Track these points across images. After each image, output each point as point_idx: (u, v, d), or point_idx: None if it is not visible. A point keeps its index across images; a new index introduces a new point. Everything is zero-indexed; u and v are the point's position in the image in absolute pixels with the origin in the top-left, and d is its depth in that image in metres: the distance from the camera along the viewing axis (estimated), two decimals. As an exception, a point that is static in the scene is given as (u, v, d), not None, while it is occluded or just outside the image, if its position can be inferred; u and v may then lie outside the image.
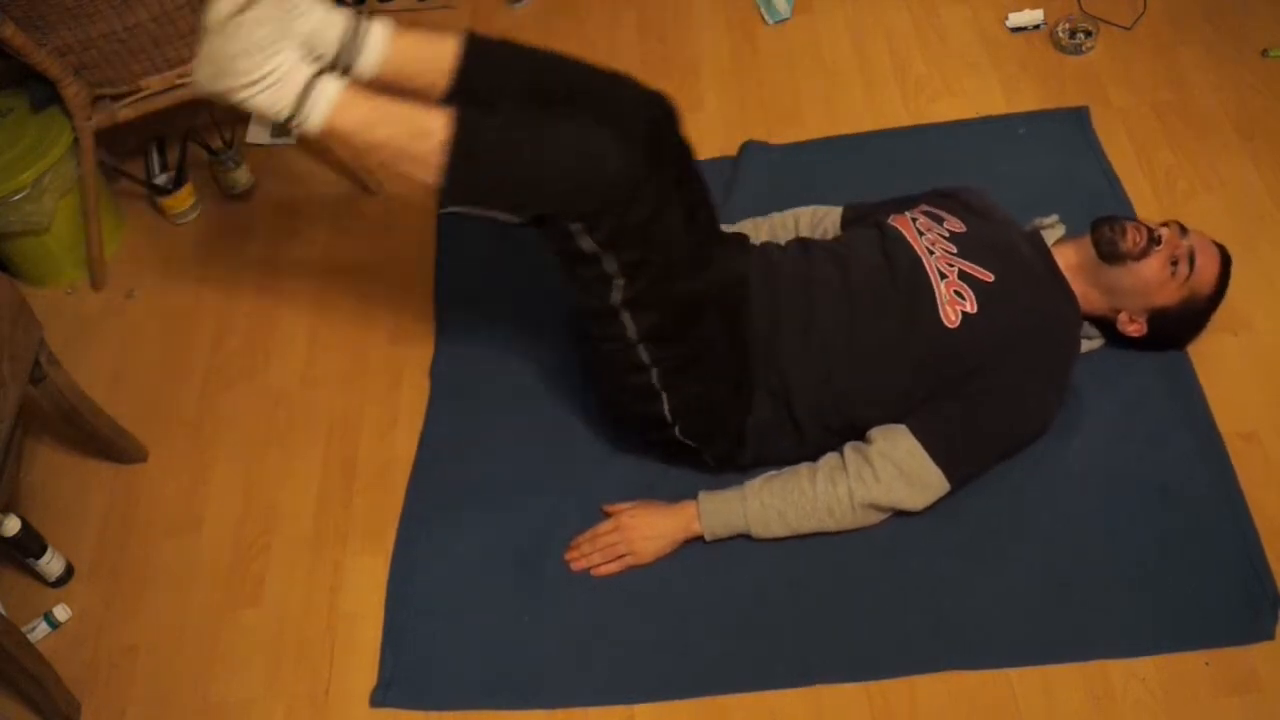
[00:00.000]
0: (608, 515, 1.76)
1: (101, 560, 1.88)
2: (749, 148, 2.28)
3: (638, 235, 1.48)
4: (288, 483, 1.93)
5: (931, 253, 1.71)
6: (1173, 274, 1.70)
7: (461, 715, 1.63)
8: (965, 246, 1.71)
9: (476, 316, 2.08)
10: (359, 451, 1.95)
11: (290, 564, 1.83)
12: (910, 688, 1.58)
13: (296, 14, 1.49)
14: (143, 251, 2.34)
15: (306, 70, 1.46)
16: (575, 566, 1.73)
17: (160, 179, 2.37)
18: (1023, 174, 2.14)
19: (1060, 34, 2.40)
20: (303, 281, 2.22)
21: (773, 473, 1.71)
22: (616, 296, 1.54)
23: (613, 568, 1.72)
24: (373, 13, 1.55)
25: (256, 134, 2.51)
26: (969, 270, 1.68)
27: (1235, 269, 1.80)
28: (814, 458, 1.70)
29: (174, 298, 2.25)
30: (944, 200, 1.84)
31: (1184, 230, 1.73)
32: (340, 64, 1.55)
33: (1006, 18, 2.46)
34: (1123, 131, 2.21)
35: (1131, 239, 1.69)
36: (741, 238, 1.89)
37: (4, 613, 1.76)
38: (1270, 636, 1.56)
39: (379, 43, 1.56)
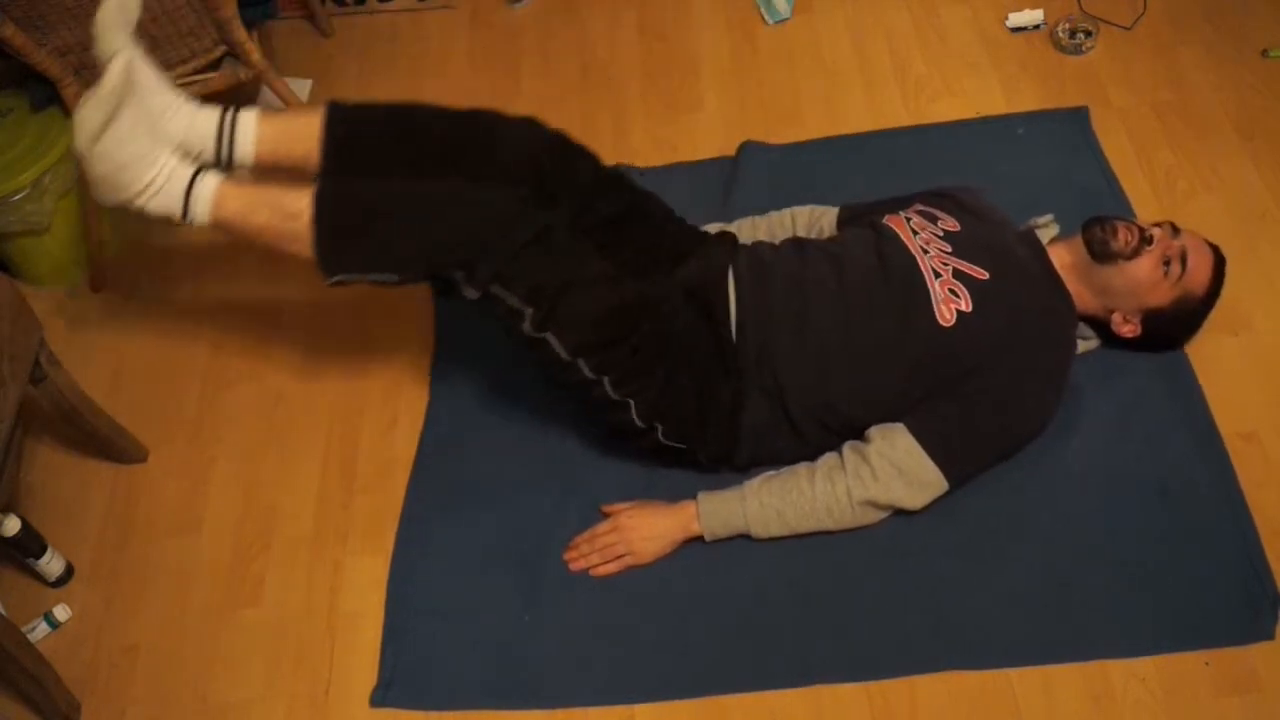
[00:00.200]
0: (606, 516, 1.76)
1: (101, 560, 1.88)
2: (748, 148, 2.28)
3: (521, 268, 1.52)
4: (288, 483, 1.93)
5: (926, 252, 1.71)
6: (1165, 274, 1.70)
7: (461, 715, 1.63)
8: (960, 245, 1.71)
9: (476, 316, 2.08)
10: (359, 451, 1.95)
11: (290, 564, 1.83)
12: (910, 688, 1.58)
13: (163, 121, 1.57)
14: (143, 251, 2.34)
15: (187, 171, 1.55)
16: (574, 567, 1.73)
17: (160, 179, 2.37)
18: (1022, 174, 2.14)
19: (1060, 34, 2.40)
20: (303, 281, 2.22)
21: (772, 473, 1.71)
22: (529, 326, 1.56)
23: (611, 568, 1.72)
24: (239, 106, 1.63)
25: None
26: (963, 269, 1.68)
27: (1235, 269, 1.80)
28: (813, 457, 1.70)
29: (174, 298, 2.25)
30: (938, 199, 1.84)
31: (1176, 230, 1.73)
32: (221, 158, 1.62)
33: (1006, 18, 2.46)
34: (1123, 131, 2.21)
35: (1123, 239, 1.69)
36: (724, 236, 1.90)
37: (4, 613, 1.76)
38: (1270, 636, 1.56)
39: (249, 131, 1.62)
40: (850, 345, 1.67)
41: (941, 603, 1.64)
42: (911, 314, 1.65)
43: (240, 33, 2.10)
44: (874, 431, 1.66)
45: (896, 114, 2.33)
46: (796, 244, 1.83)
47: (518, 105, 2.49)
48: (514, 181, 1.59)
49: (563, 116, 2.44)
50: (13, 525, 1.74)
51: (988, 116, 2.28)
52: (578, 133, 2.39)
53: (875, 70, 2.43)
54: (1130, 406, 1.79)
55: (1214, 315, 1.79)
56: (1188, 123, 2.21)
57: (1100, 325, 1.79)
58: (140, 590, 1.84)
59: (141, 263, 2.32)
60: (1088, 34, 2.38)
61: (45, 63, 1.98)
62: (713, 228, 1.97)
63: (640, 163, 2.31)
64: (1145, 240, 1.70)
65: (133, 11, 1.56)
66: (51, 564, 1.82)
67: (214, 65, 2.16)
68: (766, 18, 2.59)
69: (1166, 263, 1.70)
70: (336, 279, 1.55)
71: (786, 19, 2.58)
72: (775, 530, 1.68)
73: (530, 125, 1.71)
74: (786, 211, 2.00)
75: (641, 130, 2.40)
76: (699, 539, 1.71)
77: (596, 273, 1.59)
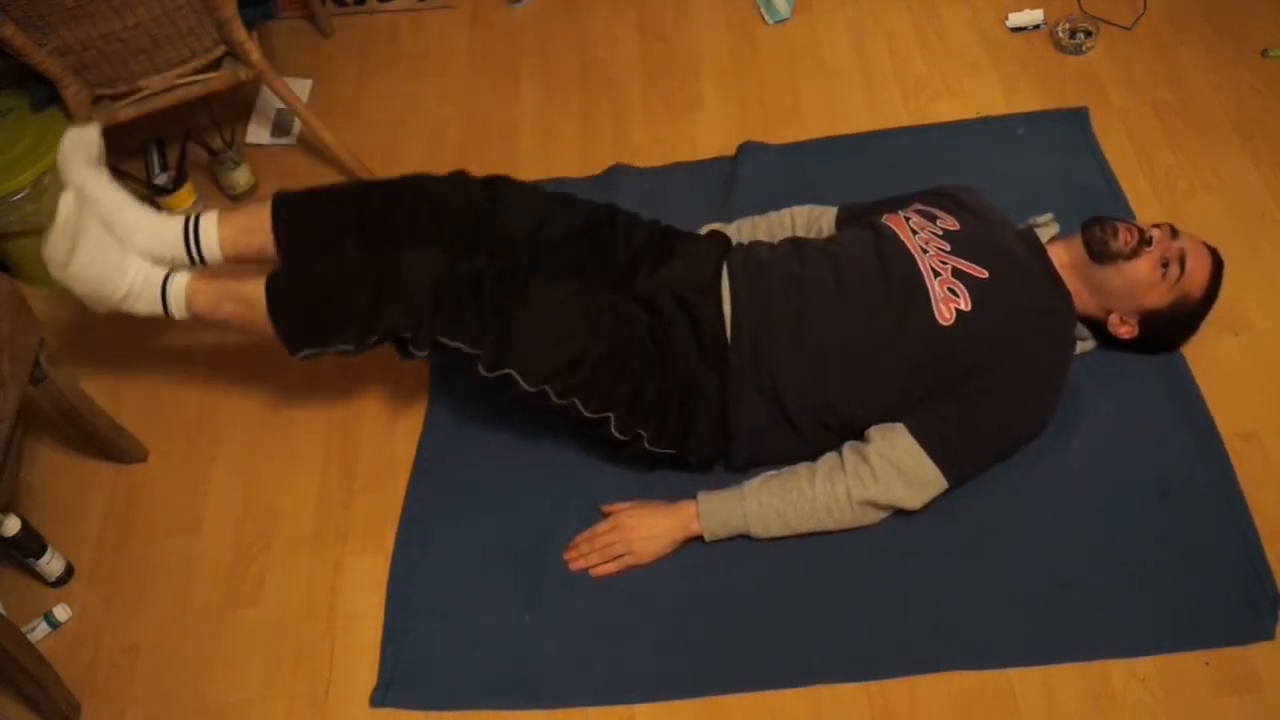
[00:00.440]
0: (606, 515, 1.76)
1: (101, 560, 1.88)
2: (747, 148, 2.28)
3: (458, 319, 1.58)
4: (288, 482, 1.93)
5: (925, 251, 1.71)
6: (1163, 275, 1.70)
7: (461, 715, 1.63)
8: (959, 244, 1.71)
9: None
10: (359, 451, 1.95)
11: (290, 564, 1.83)
12: (910, 688, 1.58)
13: (128, 236, 1.70)
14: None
15: (159, 274, 1.71)
16: (574, 567, 1.73)
17: (160, 179, 2.37)
18: (1022, 174, 2.14)
19: (1060, 34, 2.40)
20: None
21: (772, 473, 1.71)
22: (483, 369, 1.61)
23: (611, 568, 1.72)
24: (199, 213, 1.78)
25: (256, 134, 2.51)
26: (963, 268, 1.68)
27: (1235, 269, 1.80)
28: (814, 457, 1.70)
29: (174, 298, 2.24)
30: (937, 199, 1.84)
31: (1175, 232, 1.73)
32: (193, 260, 1.76)
33: (1006, 18, 2.46)
34: (1123, 131, 2.21)
35: (1123, 239, 1.69)
36: (713, 236, 1.90)
37: (4, 613, 1.76)
38: (1270, 636, 1.56)
39: (211, 234, 1.75)
40: (849, 345, 1.67)
41: (941, 603, 1.64)
42: (911, 313, 1.65)
43: (240, 33, 2.10)
44: (874, 431, 1.66)
45: (896, 114, 2.33)
46: (794, 244, 1.83)
47: (518, 105, 2.50)
48: (443, 239, 1.72)
49: (563, 116, 2.46)
50: (13, 525, 1.74)
51: (988, 116, 2.28)
52: (578, 133, 2.42)
53: (875, 70, 2.43)
54: (1130, 407, 1.79)
55: (1214, 315, 1.79)
56: (1188, 123, 2.21)
57: (1097, 326, 1.79)
58: (140, 590, 1.84)
59: (141, 263, 2.32)
60: (1088, 34, 2.38)
61: (45, 63, 1.99)
62: (709, 228, 1.97)
63: (640, 163, 2.31)
64: (1144, 241, 1.70)
65: (92, 146, 1.73)
66: (51, 564, 1.82)
67: (214, 65, 2.16)
68: (766, 18, 2.59)
69: (1165, 264, 1.70)
70: (302, 355, 1.67)
71: (786, 19, 2.58)
72: (775, 530, 1.68)
73: (455, 181, 1.80)
74: (785, 211, 2.00)
75: (641, 130, 2.40)
76: (699, 539, 1.71)
77: (544, 302, 1.63)
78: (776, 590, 1.67)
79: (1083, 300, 1.74)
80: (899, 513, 1.68)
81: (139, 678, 1.74)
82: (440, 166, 2.38)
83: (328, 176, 2.40)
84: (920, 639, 1.61)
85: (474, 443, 1.91)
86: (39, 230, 2.15)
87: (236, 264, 1.77)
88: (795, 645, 1.63)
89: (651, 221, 1.88)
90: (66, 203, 1.66)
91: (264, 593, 1.80)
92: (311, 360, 1.69)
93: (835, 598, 1.66)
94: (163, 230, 1.74)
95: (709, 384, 1.69)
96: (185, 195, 2.35)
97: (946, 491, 1.66)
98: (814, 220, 1.97)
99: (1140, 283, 1.70)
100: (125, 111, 2.13)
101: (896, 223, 1.78)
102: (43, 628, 1.79)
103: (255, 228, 1.76)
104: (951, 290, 1.66)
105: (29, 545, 1.78)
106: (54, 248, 1.65)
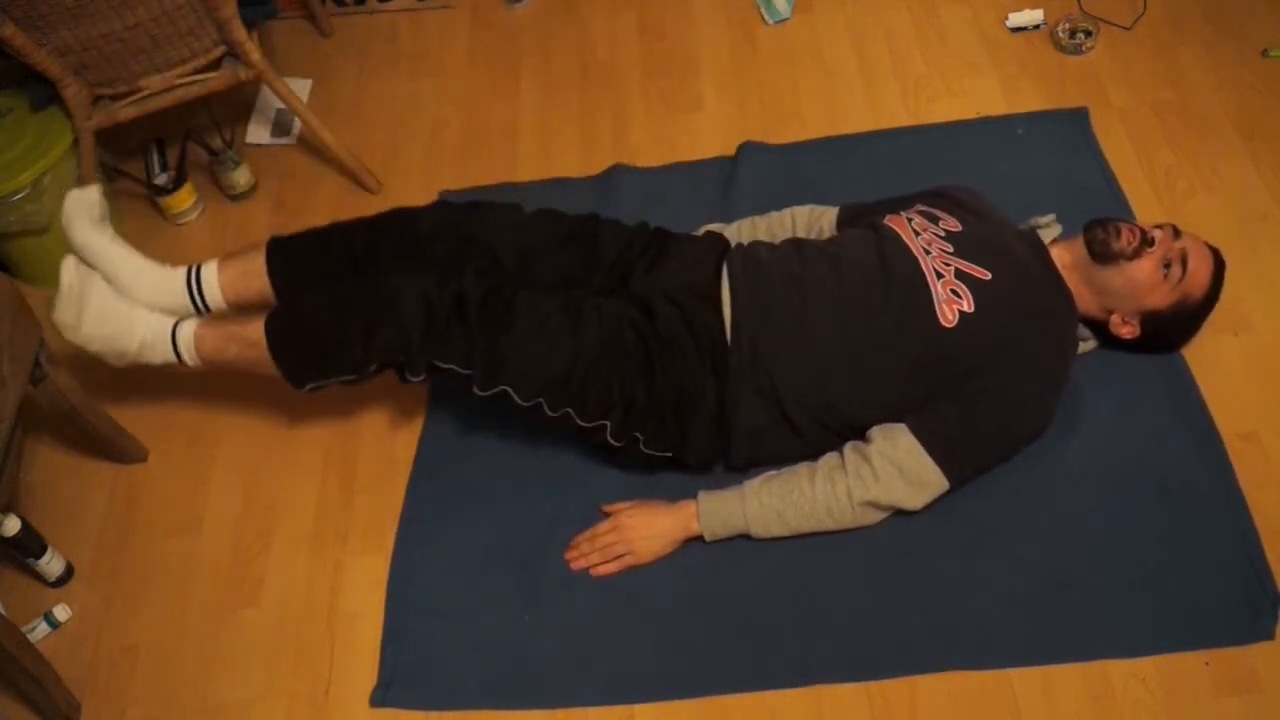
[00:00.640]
0: (606, 515, 1.76)
1: (101, 560, 1.88)
2: (747, 148, 2.28)
3: (447, 343, 1.62)
4: (288, 483, 1.93)
5: (928, 252, 1.71)
6: (1165, 276, 1.70)
7: (461, 715, 1.63)
8: (961, 246, 1.71)
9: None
10: (359, 452, 1.95)
11: (290, 564, 1.83)
12: (910, 688, 1.58)
13: (133, 292, 1.76)
14: (143, 251, 2.33)
15: (167, 325, 1.77)
16: (574, 566, 1.73)
17: (160, 179, 2.37)
18: (1022, 174, 2.14)
19: (1060, 34, 2.40)
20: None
21: (772, 472, 1.71)
22: (477, 387, 1.63)
23: (612, 568, 1.72)
24: (200, 264, 1.83)
25: (256, 134, 2.51)
26: (965, 269, 1.68)
27: (1235, 269, 1.80)
28: (815, 457, 1.70)
29: (174, 298, 2.25)
30: (939, 199, 1.84)
31: (1177, 233, 1.73)
32: (199, 309, 1.82)
33: (1006, 18, 2.46)
34: (1123, 131, 2.21)
35: (1125, 240, 1.69)
36: (710, 236, 1.90)
37: (4, 613, 1.76)
38: (1270, 636, 1.56)
39: (212, 283, 1.81)
40: (850, 345, 1.67)
41: (941, 603, 1.64)
42: (913, 315, 1.65)
43: (240, 33, 2.10)
44: (875, 432, 1.66)
45: (896, 114, 2.33)
46: (795, 244, 1.83)
47: (518, 105, 2.50)
48: (431, 264, 1.75)
49: (563, 116, 2.46)
50: (13, 525, 1.74)
51: (988, 116, 2.28)
52: (578, 133, 2.42)
53: (875, 70, 2.43)
54: (1130, 407, 1.79)
55: (1214, 315, 1.79)
56: (1188, 123, 2.21)
57: (1098, 326, 1.79)
58: (140, 590, 1.84)
59: (141, 263, 2.32)
60: (1088, 34, 2.38)
61: (45, 63, 1.99)
62: (707, 229, 1.97)
63: (640, 163, 2.32)
64: (1146, 242, 1.70)
65: (94, 206, 1.79)
66: (51, 564, 1.82)
67: (214, 65, 2.16)
68: (766, 18, 2.59)
69: (1167, 265, 1.70)
70: (308, 389, 1.72)
71: (786, 19, 2.58)
72: (775, 530, 1.68)
73: (438, 208, 1.86)
74: (786, 212, 2.00)
75: (641, 130, 2.40)
76: (699, 539, 1.71)
77: (530, 316, 1.64)
78: (776, 590, 1.67)
79: (1084, 301, 1.74)
80: (899, 513, 1.68)
81: (139, 678, 1.74)
82: (440, 166, 2.40)
83: (328, 176, 2.41)
84: (920, 639, 1.61)
85: (474, 443, 1.91)
86: (39, 230, 2.16)
87: (240, 309, 1.82)
88: (795, 645, 1.63)
89: (640, 224, 1.89)
90: (68, 268, 1.73)
91: (264, 593, 1.80)
92: (316, 393, 1.73)
93: (835, 598, 1.66)
94: (166, 282, 1.80)
95: (706, 386, 1.68)
96: (185, 195, 2.35)
97: (947, 492, 1.66)
98: (814, 220, 1.97)
99: (1142, 283, 1.70)
100: (125, 111, 2.13)
101: (899, 224, 1.78)
102: (43, 628, 1.79)
103: (252, 272, 1.81)
104: (954, 292, 1.65)
105: (29, 545, 1.78)
106: (63, 313, 1.72)
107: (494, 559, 1.76)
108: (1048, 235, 1.81)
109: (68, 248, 1.78)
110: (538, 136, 2.43)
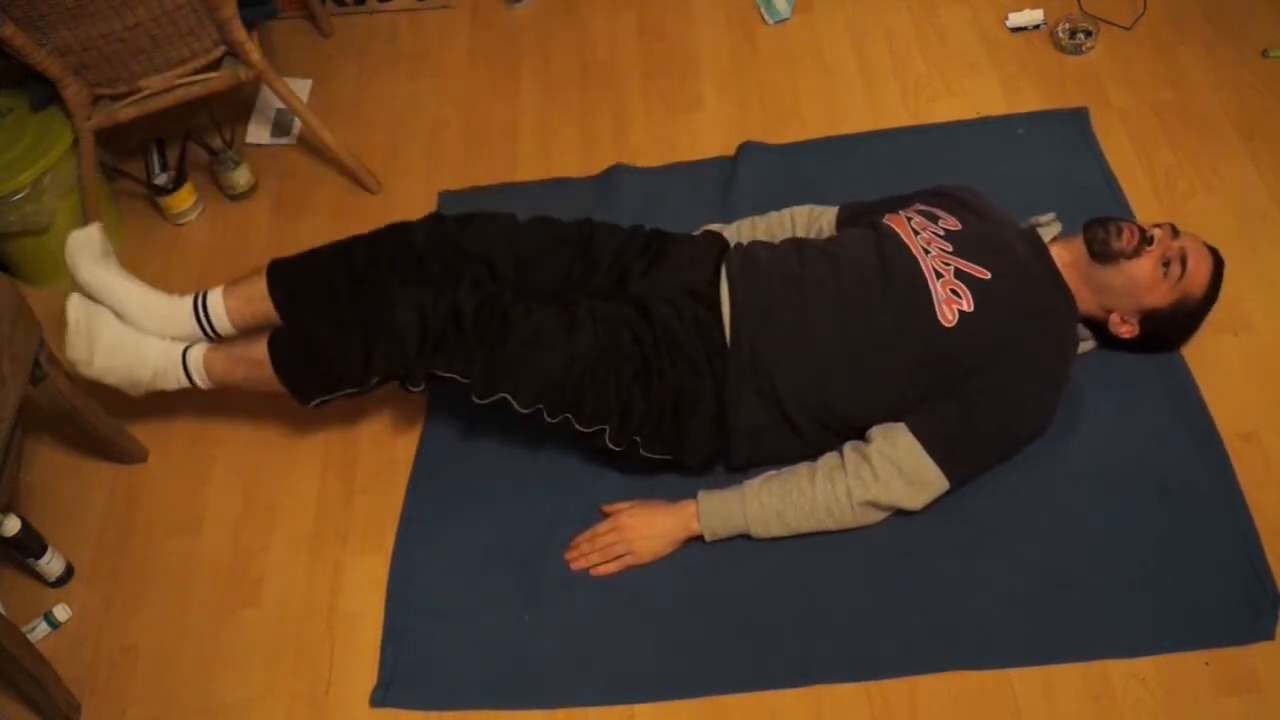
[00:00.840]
0: (606, 515, 1.76)
1: (101, 560, 1.88)
2: (747, 148, 2.28)
3: (446, 354, 1.63)
4: (288, 483, 1.93)
5: (927, 252, 1.71)
6: (1164, 275, 1.70)
7: (461, 715, 1.63)
8: (961, 245, 1.71)
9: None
10: (359, 452, 1.95)
11: (290, 564, 1.83)
12: (910, 688, 1.58)
13: (142, 323, 1.80)
14: (143, 251, 2.34)
15: (176, 351, 1.80)
16: (574, 566, 1.73)
17: (160, 179, 2.37)
18: (1022, 174, 2.14)
19: (1060, 34, 2.40)
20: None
21: (772, 472, 1.71)
22: (476, 395, 1.64)
23: (612, 568, 1.72)
24: (205, 291, 1.86)
25: (256, 134, 2.51)
26: (965, 269, 1.68)
27: (1235, 269, 1.80)
28: (814, 457, 1.70)
29: (174, 298, 2.25)
30: (939, 198, 1.84)
31: (1176, 232, 1.73)
32: (209, 335, 1.85)
33: (1006, 18, 2.46)
34: (1123, 131, 2.21)
35: (1125, 238, 1.69)
36: (709, 236, 1.90)
37: (4, 613, 1.76)
38: (1270, 636, 1.56)
39: (218, 309, 1.84)
40: (849, 345, 1.67)
41: (941, 603, 1.64)
42: (912, 314, 1.65)
43: (240, 33, 2.10)
44: (875, 431, 1.66)
45: (896, 114, 2.33)
46: (794, 244, 1.83)
47: (518, 105, 2.50)
48: (427, 276, 1.79)
49: (563, 116, 2.46)
50: (13, 525, 1.74)
51: (988, 116, 2.28)
52: (578, 133, 2.42)
53: (875, 70, 2.43)
54: (1130, 407, 1.79)
55: (1214, 315, 1.79)
56: (1188, 123, 2.21)
57: (1097, 326, 1.79)
58: (140, 590, 1.84)
59: (142, 262, 2.31)
60: (1088, 34, 2.38)
61: (45, 63, 1.99)
62: (707, 229, 1.97)
63: (640, 163, 2.32)
64: (1146, 240, 1.70)
65: (95, 243, 1.82)
66: (51, 564, 1.82)
67: (214, 65, 2.16)
68: (766, 18, 2.59)
69: (1166, 264, 1.70)
70: (313, 404, 1.74)
71: (786, 19, 2.58)
72: (775, 530, 1.68)
73: (432, 220, 1.87)
74: (785, 212, 2.00)
75: (641, 130, 2.40)
76: (699, 539, 1.71)
77: (525, 323, 1.65)
78: (776, 590, 1.67)
79: (1083, 300, 1.74)
80: (899, 513, 1.68)
81: (139, 678, 1.74)
82: (440, 166, 2.40)
83: (328, 176, 2.41)
84: (920, 639, 1.61)
85: (474, 443, 1.91)
86: (39, 230, 2.16)
87: (248, 332, 1.85)
88: (795, 645, 1.63)
89: (635, 226, 1.89)
90: (74, 305, 1.76)
91: (264, 593, 1.80)
92: (323, 408, 1.75)
93: (835, 598, 1.66)
94: (173, 312, 1.83)
95: (705, 387, 1.68)
96: (185, 195, 2.35)
97: (947, 492, 1.66)
98: (814, 220, 1.97)
99: (1141, 282, 1.70)
100: (125, 111, 2.13)
101: (898, 223, 1.78)
102: (43, 628, 1.79)
103: (255, 296, 1.84)
104: (954, 291, 1.65)
105: (29, 545, 1.78)
106: (75, 349, 1.75)
107: (494, 559, 1.76)
108: (1047, 234, 1.81)
109: (71, 286, 1.80)
110: (538, 136, 2.43)
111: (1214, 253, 1.76)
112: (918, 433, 1.63)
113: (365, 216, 2.31)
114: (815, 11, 2.58)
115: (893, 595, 1.65)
